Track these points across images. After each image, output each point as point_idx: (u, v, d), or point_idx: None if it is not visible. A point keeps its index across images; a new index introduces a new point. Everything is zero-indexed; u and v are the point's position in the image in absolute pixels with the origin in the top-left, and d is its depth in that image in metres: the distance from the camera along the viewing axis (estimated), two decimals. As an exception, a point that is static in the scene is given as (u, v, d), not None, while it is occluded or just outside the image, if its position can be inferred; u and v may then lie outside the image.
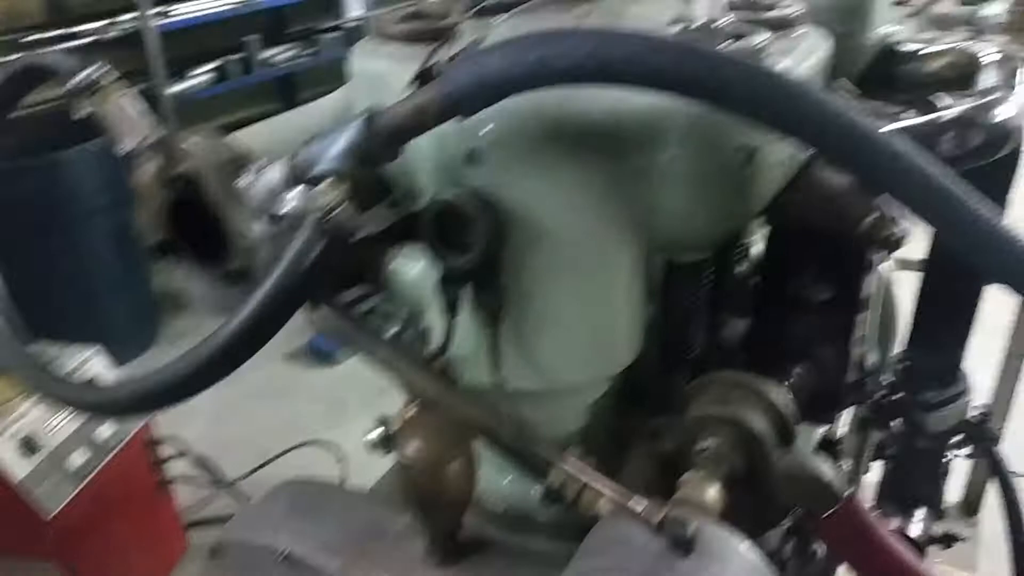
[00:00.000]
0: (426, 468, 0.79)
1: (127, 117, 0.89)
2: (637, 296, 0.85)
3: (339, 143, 0.74)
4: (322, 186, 0.72)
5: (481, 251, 0.75)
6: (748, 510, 0.78)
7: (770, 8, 0.84)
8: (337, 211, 0.70)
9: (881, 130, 0.61)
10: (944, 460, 1.10)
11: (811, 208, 0.81)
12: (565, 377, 0.85)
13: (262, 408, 3.47)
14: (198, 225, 0.88)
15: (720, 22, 0.80)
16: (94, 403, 0.90)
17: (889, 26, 1.11)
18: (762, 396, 0.82)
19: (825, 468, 0.81)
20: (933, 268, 1.01)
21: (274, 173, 0.80)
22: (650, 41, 0.62)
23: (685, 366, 0.91)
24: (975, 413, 1.08)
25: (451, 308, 0.82)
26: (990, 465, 1.13)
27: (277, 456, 3.04)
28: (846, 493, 0.80)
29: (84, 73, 0.88)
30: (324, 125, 0.98)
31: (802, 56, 0.82)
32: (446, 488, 0.79)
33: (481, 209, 0.74)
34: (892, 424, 1.09)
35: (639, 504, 0.71)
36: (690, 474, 0.77)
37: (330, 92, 1.05)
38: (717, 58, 0.61)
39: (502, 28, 0.83)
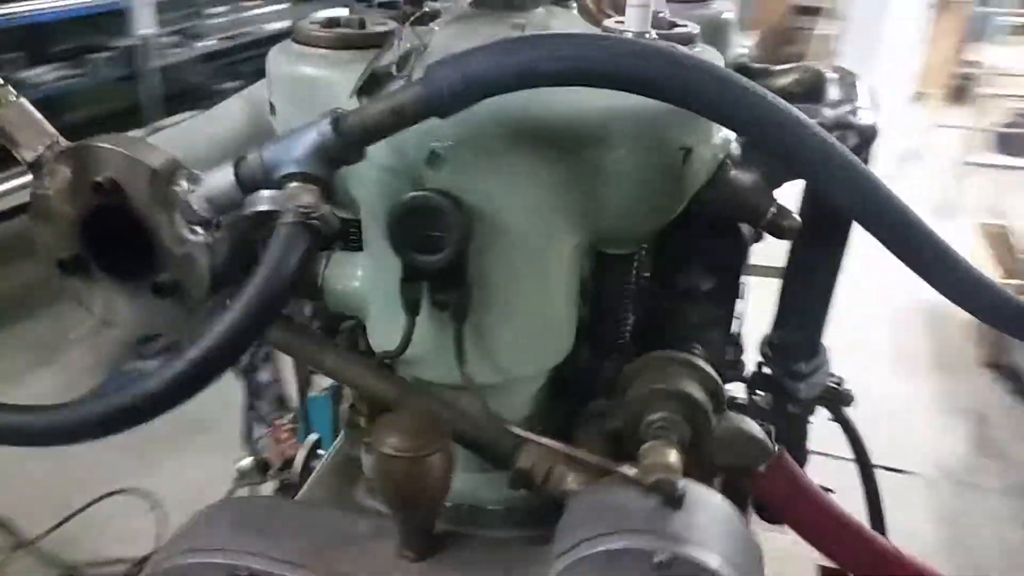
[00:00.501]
0: (405, 464, 0.79)
1: (26, 124, 0.81)
2: (575, 288, 0.90)
3: (302, 145, 0.72)
4: (294, 187, 0.71)
5: (454, 249, 0.76)
6: (690, 474, 0.86)
7: (674, 26, 0.92)
8: (317, 211, 0.69)
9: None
10: (807, 424, 1.25)
11: (724, 202, 0.90)
12: (520, 368, 0.89)
13: (58, 458, 3.13)
14: (111, 238, 0.82)
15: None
16: (48, 429, 0.77)
17: (740, 48, 1.25)
18: (697, 369, 0.90)
19: (756, 428, 0.90)
20: (795, 259, 1.15)
21: (220, 178, 0.77)
22: (626, 45, 0.68)
23: (612, 352, 0.97)
24: (832, 380, 1.25)
25: (412, 308, 0.83)
26: (843, 425, 1.30)
27: (82, 509, 2.78)
28: (776, 449, 0.90)
29: None
30: (236, 130, 0.96)
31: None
32: (425, 483, 0.79)
33: (453, 207, 0.76)
34: (762, 394, 1.22)
35: (630, 470, 0.76)
36: (649, 444, 0.83)
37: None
38: (687, 62, 0.68)
39: (443, 35, 0.85)
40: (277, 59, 0.88)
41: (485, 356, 0.85)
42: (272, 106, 0.90)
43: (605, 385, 0.96)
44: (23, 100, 0.81)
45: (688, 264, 1.02)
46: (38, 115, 0.82)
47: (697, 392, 0.89)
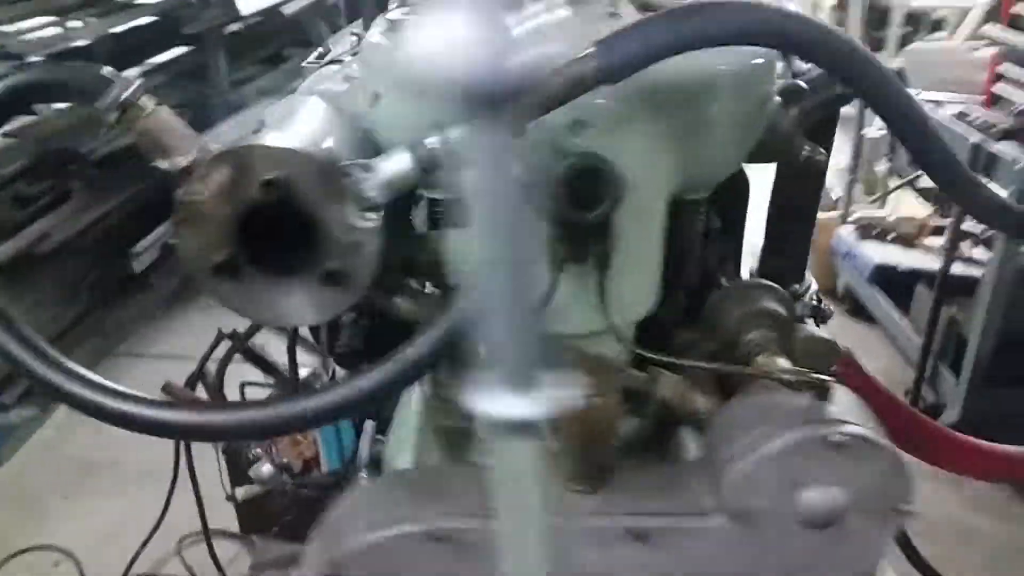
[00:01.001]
0: (590, 403, 0.87)
1: (172, 130, 0.80)
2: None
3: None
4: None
5: (611, 203, 0.85)
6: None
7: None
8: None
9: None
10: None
11: (773, 143, 1.05)
12: (638, 311, 0.99)
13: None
14: (262, 236, 0.84)
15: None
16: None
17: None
18: (774, 290, 1.05)
19: (824, 333, 1.06)
20: (779, 196, 1.32)
21: (397, 163, 0.81)
22: (775, 11, 0.80)
23: (685, 289, 1.10)
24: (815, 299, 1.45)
25: (560, 263, 0.91)
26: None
27: (-14, 574, 2.55)
28: (843, 349, 1.06)
29: (115, 89, 0.77)
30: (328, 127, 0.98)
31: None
32: (605, 419, 0.88)
33: (611, 165, 0.85)
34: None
35: (790, 374, 0.89)
36: (762, 357, 0.97)
37: None
38: (815, 25, 0.81)
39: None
40: (380, 51, 0.92)
41: (617, 302, 0.94)
42: (375, 96, 0.93)
43: (684, 318, 1.08)
44: (164, 107, 0.80)
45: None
46: (180, 120, 0.81)
47: (780, 309, 1.03)
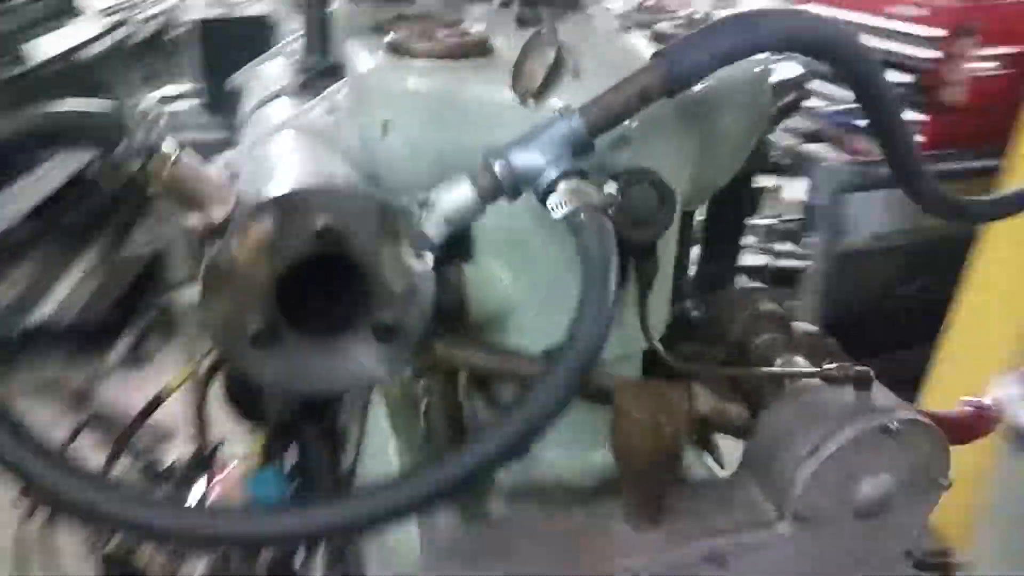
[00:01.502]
0: (647, 432, 0.84)
1: (206, 179, 0.68)
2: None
3: (552, 143, 0.74)
4: (577, 184, 0.72)
5: (665, 223, 0.83)
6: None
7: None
8: (612, 204, 0.72)
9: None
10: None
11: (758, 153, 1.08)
12: (661, 328, 0.97)
13: None
14: (300, 295, 0.74)
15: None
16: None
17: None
18: (767, 292, 1.07)
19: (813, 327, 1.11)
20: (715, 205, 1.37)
21: (457, 195, 0.74)
22: (824, 22, 0.81)
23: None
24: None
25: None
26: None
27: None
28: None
29: (138, 132, 0.63)
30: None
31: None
32: (672, 450, 0.85)
33: (663, 181, 0.82)
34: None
35: (835, 369, 0.90)
36: (782, 357, 0.99)
37: None
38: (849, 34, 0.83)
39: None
40: (391, 78, 0.85)
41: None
42: (384, 127, 0.85)
43: (684, 327, 1.08)
44: (188, 149, 0.68)
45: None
46: (208, 165, 0.69)
47: (779, 310, 1.06)
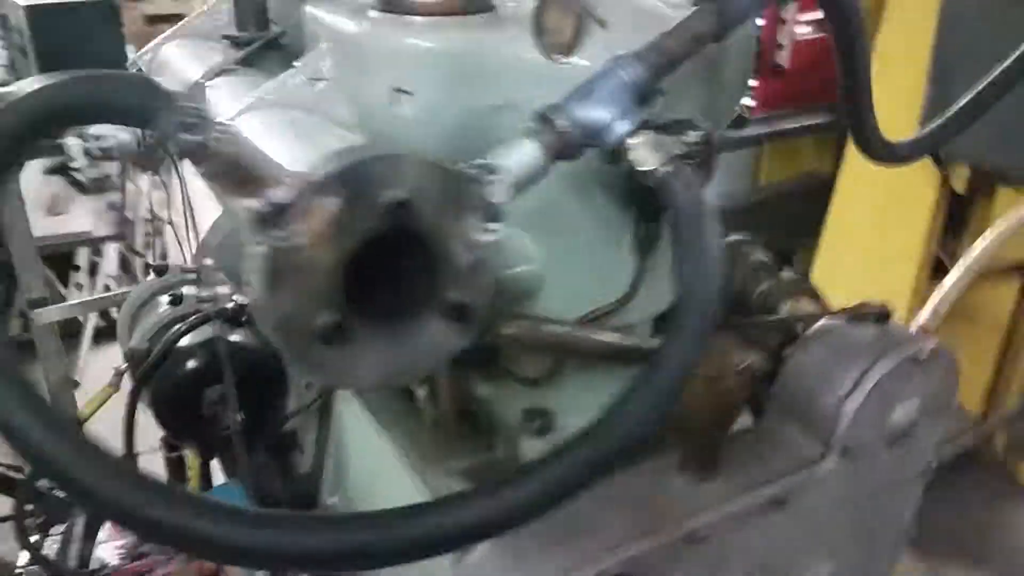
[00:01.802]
0: (711, 387, 0.82)
1: (266, 159, 0.57)
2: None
3: (615, 94, 0.69)
4: (658, 137, 0.68)
5: (711, 173, 0.80)
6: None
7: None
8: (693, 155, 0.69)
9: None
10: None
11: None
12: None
13: None
14: (366, 278, 0.66)
15: None
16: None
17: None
18: (752, 243, 1.08)
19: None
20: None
21: (524, 156, 0.68)
22: None
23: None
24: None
25: (643, 249, 0.84)
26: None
27: None
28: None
29: (179, 106, 0.52)
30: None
31: None
32: (729, 402, 0.83)
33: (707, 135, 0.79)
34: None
35: (858, 308, 0.92)
36: (790, 302, 1.00)
37: None
38: None
39: None
40: (394, 38, 0.77)
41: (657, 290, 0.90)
42: (395, 93, 0.77)
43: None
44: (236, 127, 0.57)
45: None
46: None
47: (766, 258, 1.07)
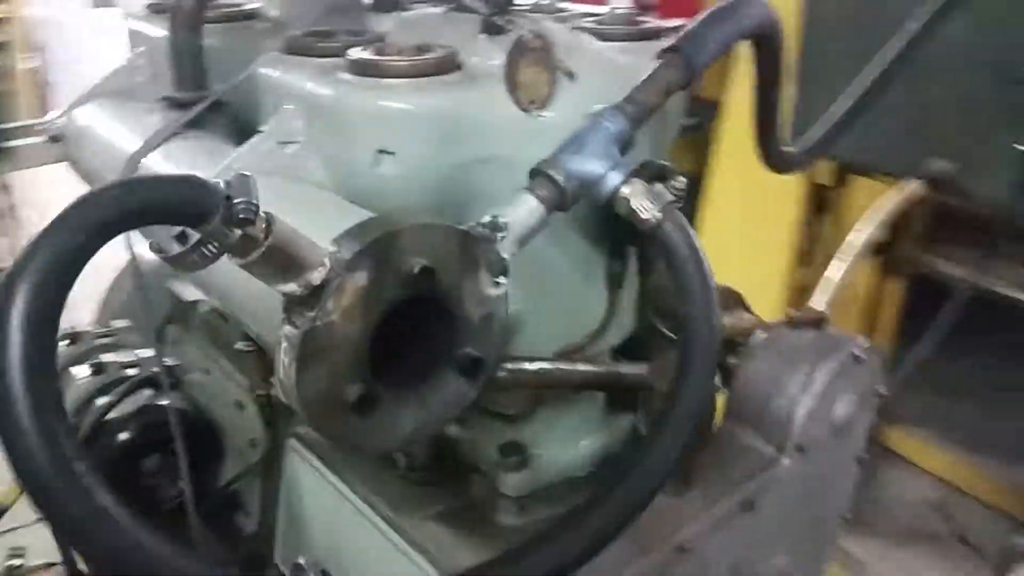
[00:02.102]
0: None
1: (301, 242, 0.58)
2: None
3: (602, 146, 0.74)
4: (649, 186, 0.74)
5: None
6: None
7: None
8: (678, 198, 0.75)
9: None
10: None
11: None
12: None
13: None
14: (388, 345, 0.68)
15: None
16: None
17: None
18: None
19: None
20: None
21: (525, 212, 0.72)
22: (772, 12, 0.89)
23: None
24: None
25: (613, 283, 0.89)
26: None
27: None
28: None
29: (226, 198, 0.52)
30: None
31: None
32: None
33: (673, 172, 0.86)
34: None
35: (799, 315, 1.01)
36: (746, 316, 1.08)
37: None
38: None
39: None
40: (373, 101, 0.79)
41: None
42: (378, 154, 0.79)
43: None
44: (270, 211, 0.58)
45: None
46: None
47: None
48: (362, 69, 0.81)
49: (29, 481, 0.48)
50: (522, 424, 0.96)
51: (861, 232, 1.89)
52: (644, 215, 0.73)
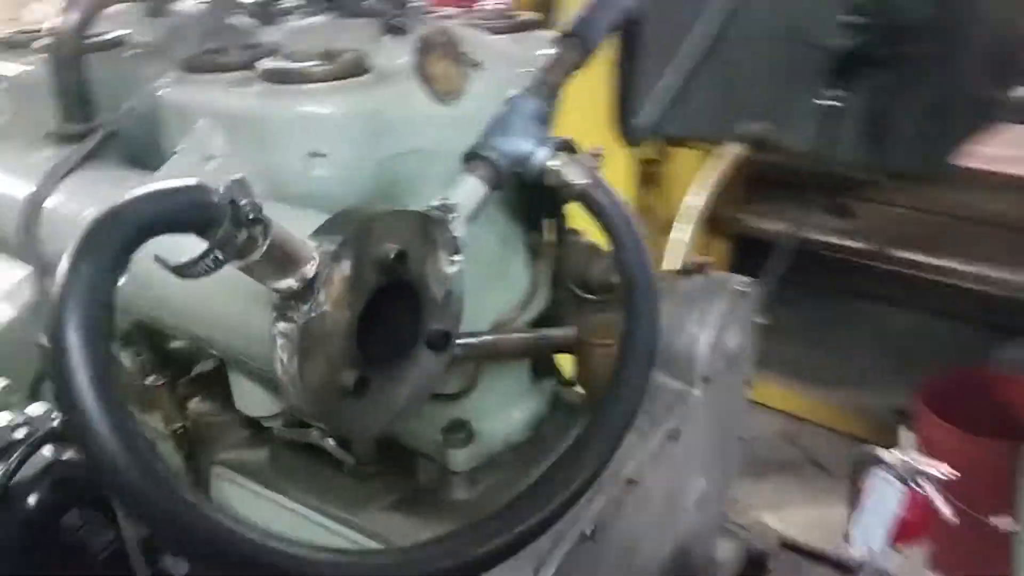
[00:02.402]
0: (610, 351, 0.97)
1: (294, 238, 0.61)
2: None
3: (528, 124, 0.82)
4: (572, 156, 0.82)
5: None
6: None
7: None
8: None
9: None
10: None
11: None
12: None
13: None
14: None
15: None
16: None
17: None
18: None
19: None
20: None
21: (470, 191, 0.78)
22: None
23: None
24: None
25: (535, 256, 0.97)
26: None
27: None
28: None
29: (250, 203, 0.54)
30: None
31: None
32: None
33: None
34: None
35: (689, 265, 1.13)
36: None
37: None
38: None
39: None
40: (299, 108, 0.82)
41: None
42: (312, 156, 0.83)
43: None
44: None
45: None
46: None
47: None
48: (281, 78, 0.83)
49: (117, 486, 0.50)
50: (463, 401, 1.02)
51: (698, 195, 2.08)
52: (574, 182, 0.81)
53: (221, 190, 0.56)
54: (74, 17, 0.96)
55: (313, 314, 0.64)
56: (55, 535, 1.20)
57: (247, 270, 0.60)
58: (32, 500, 1.19)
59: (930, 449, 2.11)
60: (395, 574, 0.65)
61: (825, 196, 2.55)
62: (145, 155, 1.01)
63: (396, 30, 0.90)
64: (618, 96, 1.24)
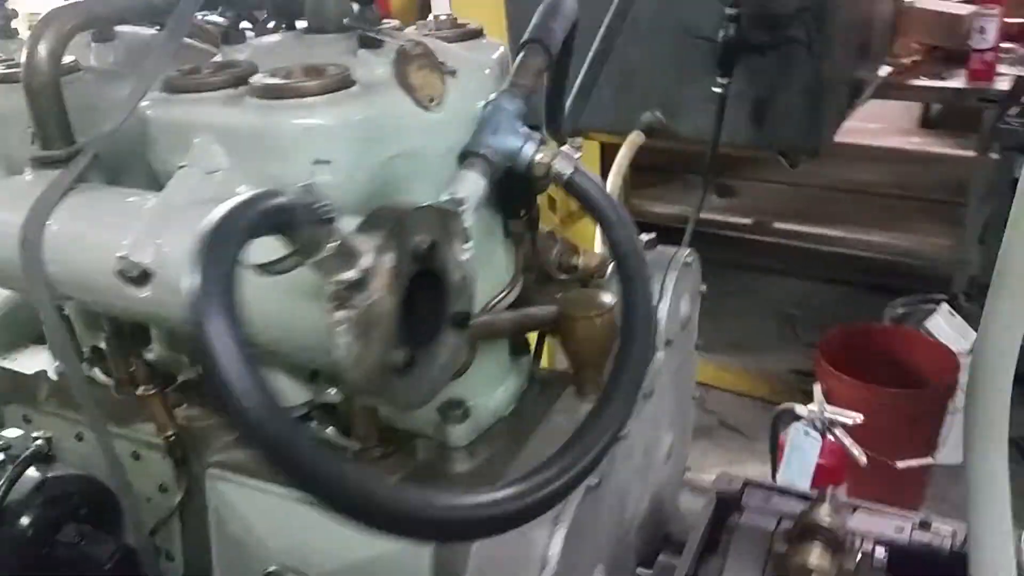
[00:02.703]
0: (603, 322, 1.07)
1: (350, 234, 0.68)
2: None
3: (512, 123, 0.91)
4: (559, 148, 0.91)
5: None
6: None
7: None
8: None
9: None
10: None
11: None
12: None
13: None
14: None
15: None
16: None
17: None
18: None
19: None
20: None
21: (472, 184, 0.86)
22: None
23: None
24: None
25: (514, 242, 1.06)
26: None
27: None
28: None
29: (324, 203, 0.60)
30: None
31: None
32: (608, 335, 1.08)
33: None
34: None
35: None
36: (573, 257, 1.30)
37: None
38: None
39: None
40: (302, 120, 0.88)
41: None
42: (317, 163, 0.88)
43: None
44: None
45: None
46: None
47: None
48: (276, 94, 0.89)
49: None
50: (458, 380, 1.09)
51: (610, 184, 2.21)
52: (561, 172, 0.91)
53: (299, 195, 0.62)
54: (45, 46, 0.98)
55: (368, 301, 0.71)
56: (50, 552, 1.20)
57: (316, 265, 0.66)
58: (26, 519, 1.19)
59: (832, 401, 2.31)
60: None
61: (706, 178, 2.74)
62: (120, 173, 1.04)
63: (373, 43, 0.97)
64: (549, 95, 1.34)
